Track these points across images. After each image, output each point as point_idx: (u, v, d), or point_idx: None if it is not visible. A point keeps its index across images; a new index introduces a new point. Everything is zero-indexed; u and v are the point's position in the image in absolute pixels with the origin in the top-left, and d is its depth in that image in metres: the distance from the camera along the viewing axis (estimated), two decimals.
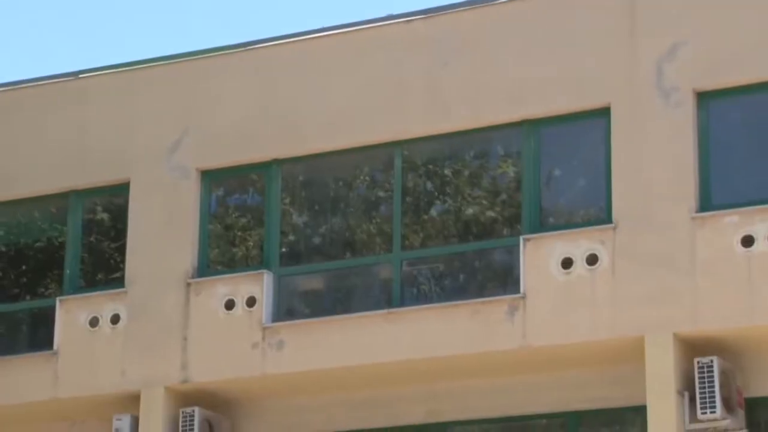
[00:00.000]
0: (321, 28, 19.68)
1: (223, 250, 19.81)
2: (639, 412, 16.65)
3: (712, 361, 16.23)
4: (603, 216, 17.45)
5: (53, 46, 53.18)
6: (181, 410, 18.63)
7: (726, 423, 16.25)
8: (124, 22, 54.21)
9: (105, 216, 20.46)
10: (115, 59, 24.36)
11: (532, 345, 17.22)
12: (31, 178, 20.45)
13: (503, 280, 17.97)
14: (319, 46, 19.58)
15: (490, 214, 18.57)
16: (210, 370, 18.77)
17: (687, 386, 16.36)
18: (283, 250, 19.35)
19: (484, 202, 18.69)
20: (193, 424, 18.48)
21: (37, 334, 20.17)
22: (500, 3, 18.68)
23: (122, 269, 19.82)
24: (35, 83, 21.11)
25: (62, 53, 53.75)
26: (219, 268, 19.50)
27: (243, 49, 19.97)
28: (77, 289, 19.98)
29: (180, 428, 18.60)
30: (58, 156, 20.37)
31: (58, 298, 19.86)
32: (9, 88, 21.18)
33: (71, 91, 20.78)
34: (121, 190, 20.03)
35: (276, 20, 53.38)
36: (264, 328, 18.53)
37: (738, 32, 17.26)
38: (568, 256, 17.32)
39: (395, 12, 19.44)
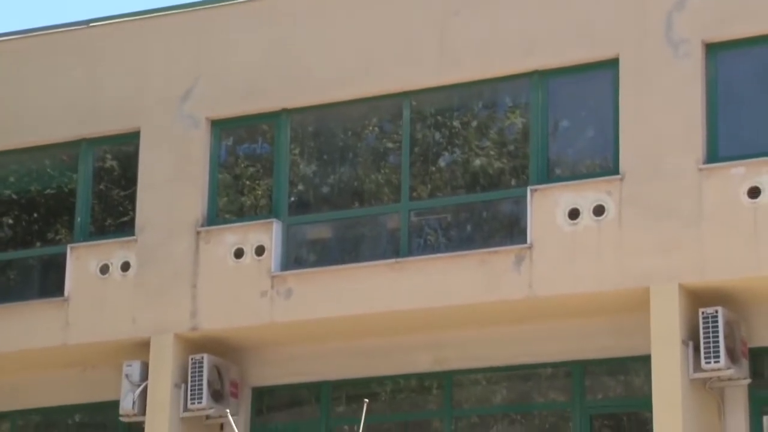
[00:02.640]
0: None
1: (232, 198, 19.81)
2: (644, 361, 16.74)
3: (716, 312, 16.31)
4: (610, 167, 17.49)
5: None
6: (190, 357, 18.71)
7: (730, 372, 16.34)
8: None
9: (115, 164, 20.48)
10: (125, 8, 24.59)
11: (538, 295, 17.29)
12: (42, 127, 20.46)
13: (510, 230, 17.98)
14: None
15: (498, 164, 18.56)
16: (219, 318, 18.84)
17: (691, 336, 16.45)
18: (292, 199, 19.37)
19: (492, 153, 18.68)
20: (201, 371, 18.53)
21: (48, 281, 20.26)
22: None
23: (132, 217, 19.86)
24: (46, 32, 21.11)
25: (73, 2, 53.90)
26: (228, 216, 19.53)
27: None
28: (88, 237, 20.06)
29: (189, 375, 18.66)
30: (68, 104, 20.37)
31: (69, 246, 19.94)
32: (20, 36, 21.19)
33: (82, 41, 20.84)
34: (132, 138, 19.99)
35: None
36: (272, 277, 18.57)
37: None
38: (574, 206, 17.34)
39: None
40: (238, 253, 18.86)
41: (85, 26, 20.74)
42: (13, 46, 20.95)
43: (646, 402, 16.73)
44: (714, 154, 16.91)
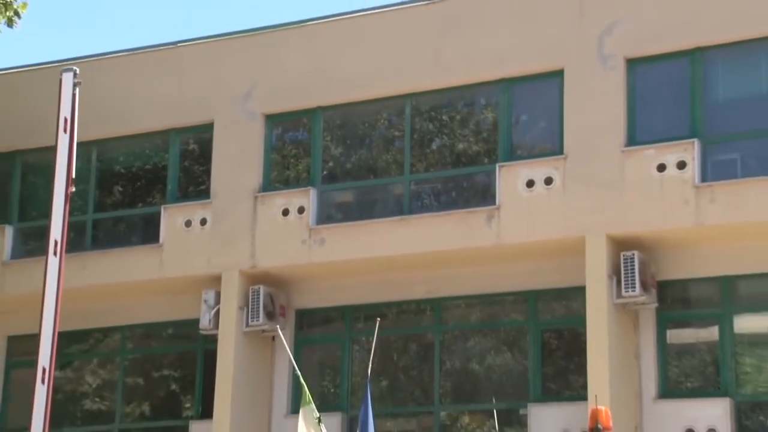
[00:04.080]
0: (355, 10, 19.54)
1: (280, 172, 19.65)
2: (580, 291, 16.79)
3: (633, 255, 16.41)
4: (557, 149, 17.46)
5: (152, 18, 52.98)
6: (250, 287, 18.69)
7: (643, 299, 16.43)
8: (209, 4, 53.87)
9: (196, 147, 20.32)
10: (202, 32, 24.19)
11: (504, 243, 17.33)
12: (143, 120, 20.29)
13: (483, 195, 17.97)
14: (352, 24, 19.41)
15: (475, 148, 18.61)
16: (271, 259, 18.80)
17: (615, 272, 16.52)
18: (324, 173, 19.26)
19: (471, 139, 18.70)
20: (258, 298, 18.56)
21: (147, 232, 20.18)
22: None
23: (208, 186, 19.72)
24: (143, 51, 20.86)
25: (159, 24, 53.32)
26: (277, 185, 19.34)
27: (297, 26, 19.71)
28: (176, 200, 19.99)
29: (249, 300, 18.66)
30: (162, 104, 20.11)
31: (162, 206, 19.89)
32: (124, 54, 20.90)
33: (171, 57, 20.43)
34: (208, 128, 19.87)
35: (324, 4, 53.47)
36: (310, 229, 18.53)
37: (657, 14, 17.12)
38: (530, 178, 17.34)
39: None
40: (285, 212, 18.75)
41: (173, 46, 20.64)
42: (120, 60, 20.83)
43: (582, 320, 16.71)
44: (632, 140, 16.94)
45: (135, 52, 20.98)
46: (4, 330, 20.95)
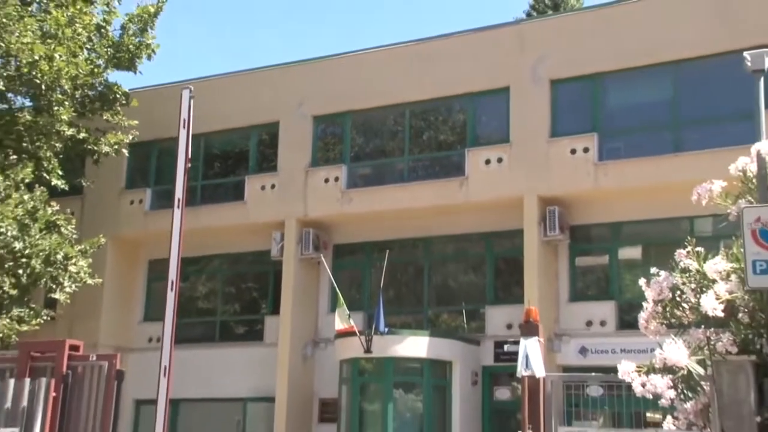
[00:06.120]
0: (368, 47, 19.48)
1: (322, 153, 19.52)
2: (520, 232, 16.72)
3: (554, 208, 16.67)
4: (505, 139, 17.51)
5: (233, 49, 52.81)
6: (303, 229, 18.83)
7: (560, 237, 16.58)
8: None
9: (267, 138, 20.21)
10: (268, 60, 22.98)
11: (470, 201, 17.47)
12: (234, 120, 20.19)
13: (457, 170, 17.84)
14: (367, 57, 19.37)
15: (452, 138, 18.65)
16: (318, 211, 18.81)
17: (542, 220, 16.72)
18: (351, 154, 19.21)
19: (448, 132, 18.74)
20: (309, 236, 18.73)
21: (237, 193, 19.88)
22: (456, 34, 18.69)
23: (276, 163, 19.60)
24: (234, 74, 20.75)
25: (238, 54, 52.38)
26: (321, 163, 19.25)
27: (333, 58, 19.74)
28: (255, 172, 19.94)
29: (303, 238, 18.74)
30: (246, 109, 20.05)
31: (246, 176, 19.79)
32: (221, 76, 20.82)
33: (252, 78, 20.37)
34: (275, 125, 19.79)
35: (348, 42, 53.19)
36: (342, 192, 18.65)
37: (570, 49, 17.25)
38: (488, 158, 17.48)
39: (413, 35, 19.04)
40: (326, 180, 18.84)
41: (251, 72, 20.29)
42: (220, 81, 20.52)
43: (521, 251, 16.68)
44: (554, 133, 17.05)
45: (228, 75, 20.92)
46: (146, 256, 21.00)
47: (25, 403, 7.71)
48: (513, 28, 18.47)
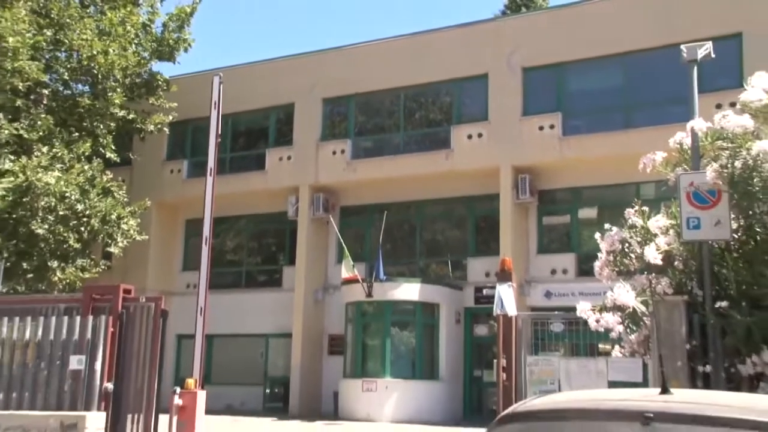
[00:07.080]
0: (369, 40, 19.36)
1: (331, 130, 19.27)
2: (497, 196, 16.76)
3: (526, 176, 16.67)
4: (485, 117, 17.42)
5: (255, 42, 52.13)
6: (314, 194, 18.66)
7: (531, 200, 16.54)
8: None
9: (284, 116, 19.83)
10: (286, 50, 22.24)
11: (455, 169, 17.40)
12: (256, 102, 19.91)
13: (444, 143, 17.74)
14: (368, 48, 19.12)
15: (440, 117, 18.50)
16: (327, 178, 18.69)
17: (515, 186, 16.70)
18: (355, 130, 19.04)
19: (437, 112, 18.60)
20: (319, 200, 18.64)
21: (259, 163, 19.68)
22: (443, 29, 18.39)
23: (291, 137, 19.36)
24: (256, 63, 20.31)
25: (258, 45, 51.92)
26: (329, 137, 19.05)
27: (340, 49, 19.31)
28: (274, 145, 19.69)
29: (314, 202, 18.63)
30: (265, 93, 19.70)
31: (266, 149, 19.63)
32: (245, 65, 20.09)
33: (270, 67, 19.90)
34: (291, 106, 19.26)
35: (353, 33, 52.28)
36: (347, 162, 18.55)
37: (539, 42, 16.91)
38: (470, 133, 17.41)
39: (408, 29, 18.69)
40: (333, 153, 18.70)
41: (270, 61, 19.98)
42: (243, 69, 19.91)
43: (497, 212, 16.61)
44: (526, 112, 16.97)
45: (252, 64, 20.57)
46: (184, 216, 20.83)
47: (89, 336, 7.96)
48: (491, 24, 18.38)
